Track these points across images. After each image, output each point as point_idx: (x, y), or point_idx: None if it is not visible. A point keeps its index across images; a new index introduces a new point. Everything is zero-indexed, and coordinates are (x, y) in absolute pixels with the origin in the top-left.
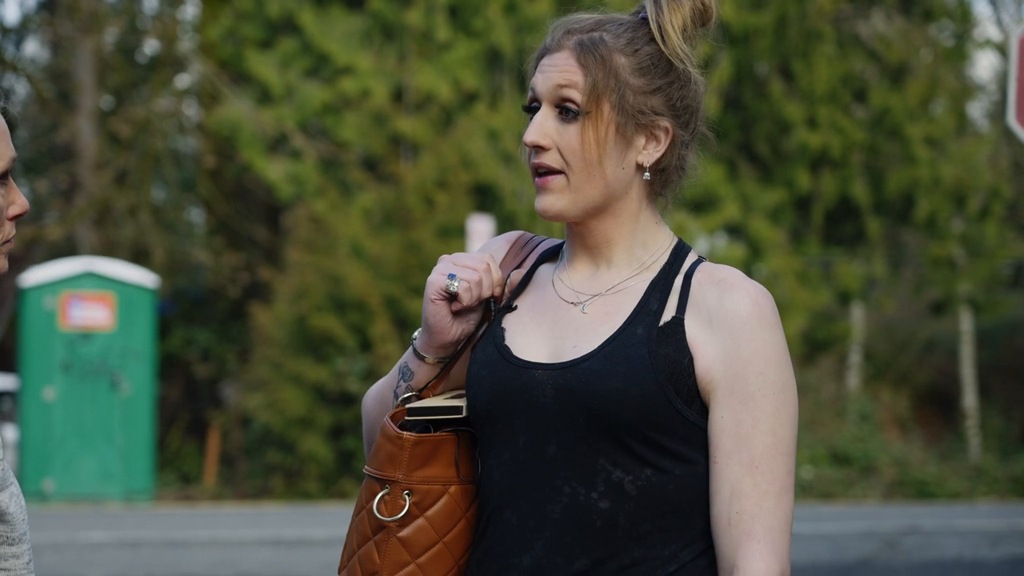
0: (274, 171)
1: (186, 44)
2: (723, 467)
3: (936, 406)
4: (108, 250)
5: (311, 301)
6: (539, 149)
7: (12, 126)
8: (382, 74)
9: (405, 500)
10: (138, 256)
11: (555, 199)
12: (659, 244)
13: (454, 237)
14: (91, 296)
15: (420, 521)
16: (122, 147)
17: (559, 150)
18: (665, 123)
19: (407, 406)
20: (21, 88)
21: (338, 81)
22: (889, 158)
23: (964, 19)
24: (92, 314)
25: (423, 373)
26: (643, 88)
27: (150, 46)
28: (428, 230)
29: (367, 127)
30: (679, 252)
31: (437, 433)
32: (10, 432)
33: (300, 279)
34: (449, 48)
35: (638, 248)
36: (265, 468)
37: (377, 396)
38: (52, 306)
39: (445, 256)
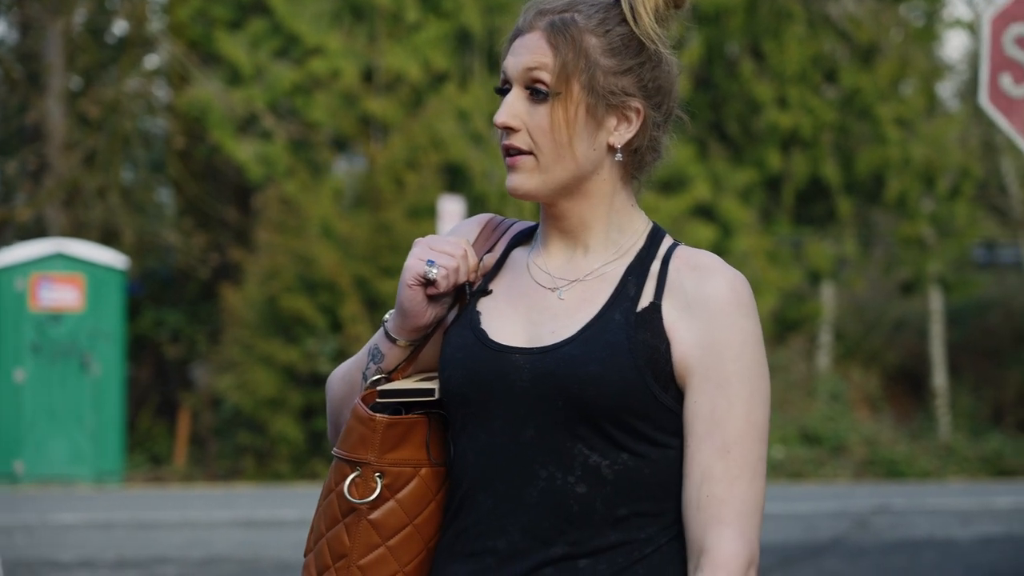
0: (244, 152)
1: (155, 25)
2: (695, 451)
3: (906, 385)
4: (78, 231)
5: (281, 282)
6: (509, 130)
7: None
8: (352, 55)
9: (376, 482)
10: (108, 237)
11: (524, 179)
12: (635, 228)
13: (424, 218)
14: (61, 277)
15: (391, 504)
16: (91, 128)
17: (529, 131)
18: (636, 104)
19: (378, 388)
20: None
21: (308, 62)
22: (859, 138)
23: None
24: (62, 295)
25: (394, 355)
26: (614, 69)
27: (119, 27)
28: (398, 211)
29: (337, 108)
30: (655, 236)
31: (409, 415)
32: None
33: (270, 260)
34: (419, 29)
35: (614, 232)
36: (236, 449)
37: (344, 377)
38: (21, 287)
39: (420, 240)
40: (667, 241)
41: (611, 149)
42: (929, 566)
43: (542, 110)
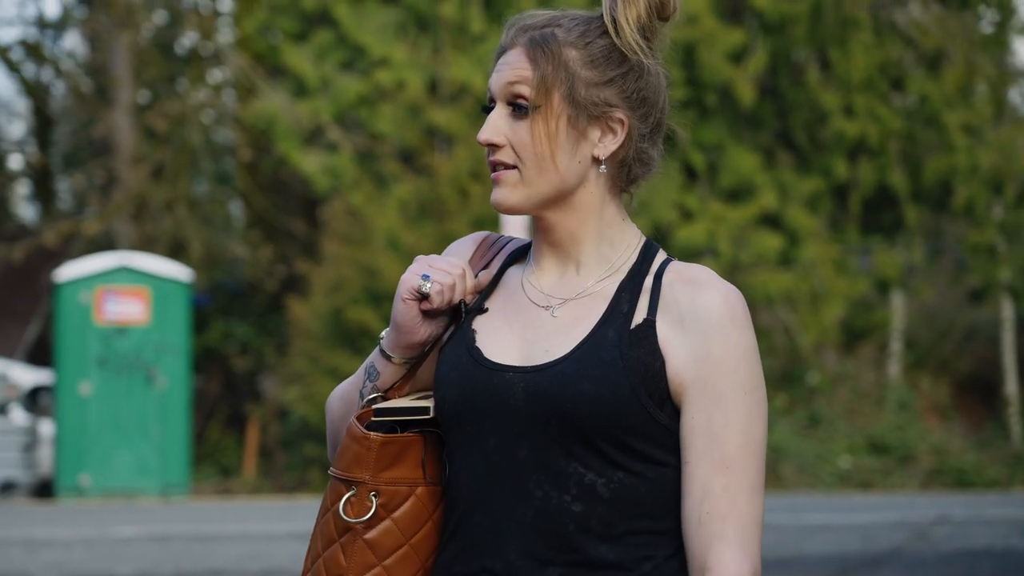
0: (310, 164)
1: (222, 38)
2: (694, 467)
3: (977, 394)
4: (146, 244)
5: (347, 294)
6: (493, 147)
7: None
8: (417, 66)
9: (372, 501)
10: (176, 250)
11: (508, 193)
12: (627, 243)
13: (488, 228)
14: (126, 291)
15: (387, 523)
16: (158, 141)
17: (512, 147)
18: (620, 115)
19: (374, 407)
20: (61, 83)
21: (373, 73)
22: (927, 146)
23: (1003, 5)
24: (127, 308)
25: (389, 373)
26: (595, 80)
27: (187, 39)
28: (463, 222)
29: (402, 119)
30: (648, 251)
31: (404, 434)
32: (47, 427)
33: (336, 272)
34: (483, 40)
35: (606, 247)
36: (303, 461)
37: (342, 397)
38: (87, 301)
39: (421, 257)
40: (660, 256)
41: (596, 161)
42: None
43: (524, 125)
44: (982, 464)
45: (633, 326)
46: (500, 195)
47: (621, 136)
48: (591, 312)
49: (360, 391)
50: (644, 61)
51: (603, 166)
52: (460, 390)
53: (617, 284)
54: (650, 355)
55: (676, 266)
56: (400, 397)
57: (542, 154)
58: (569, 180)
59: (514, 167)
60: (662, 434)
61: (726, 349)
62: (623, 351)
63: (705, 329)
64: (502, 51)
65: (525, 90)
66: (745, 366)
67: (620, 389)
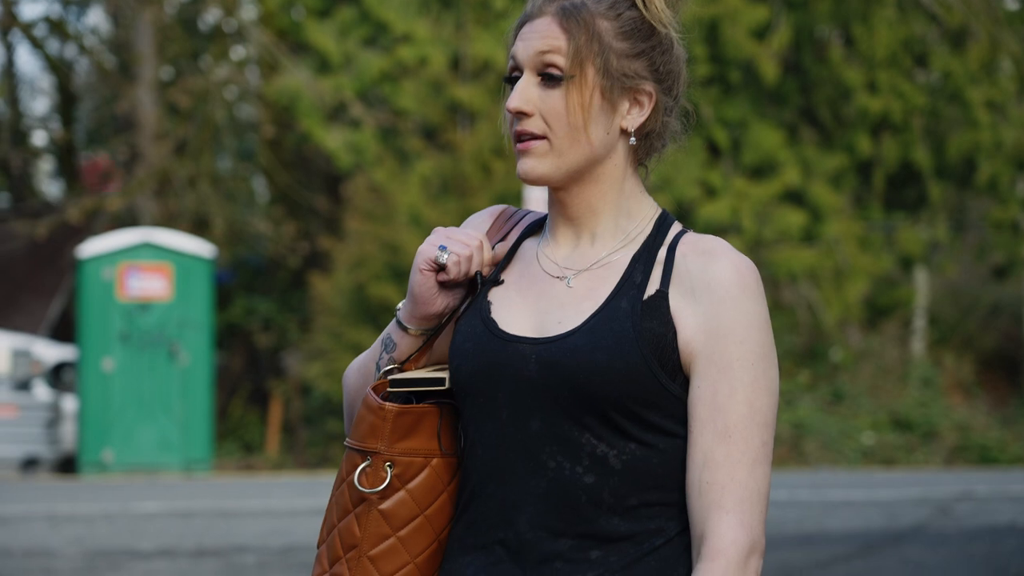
0: (333, 140)
1: (245, 14)
2: (697, 435)
3: (1001, 370)
4: (169, 221)
5: (369, 270)
6: (522, 116)
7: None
8: (439, 42)
9: (387, 472)
10: (199, 226)
11: (537, 162)
12: (643, 214)
13: (511, 204)
14: (148, 267)
15: (401, 494)
16: (182, 118)
17: (543, 116)
18: (649, 87)
19: (389, 378)
20: (84, 60)
21: (396, 49)
22: (950, 122)
23: None
24: (149, 284)
25: (406, 345)
26: (626, 52)
27: (210, 16)
28: (485, 198)
29: (424, 95)
30: (663, 223)
31: (420, 405)
32: (70, 403)
33: (359, 248)
34: (506, 16)
35: (623, 218)
36: (325, 437)
37: (359, 369)
38: (110, 277)
39: (439, 228)
40: (675, 227)
41: (624, 133)
42: (1011, 553)
43: (556, 94)
44: (1006, 440)
45: (646, 297)
46: (529, 165)
47: (648, 108)
48: (604, 283)
49: (376, 363)
50: (671, 35)
51: (632, 138)
52: (475, 361)
53: (631, 255)
54: (663, 326)
55: (690, 237)
56: (416, 369)
57: (575, 124)
58: (599, 152)
59: (543, 137)
60: (674, 405)
61: (735, 318)
62: (636, 322)
63: (715, 298)
64: (525, 20)
65: (558, 59)
66: (755, 335)
67: (632, 360)
